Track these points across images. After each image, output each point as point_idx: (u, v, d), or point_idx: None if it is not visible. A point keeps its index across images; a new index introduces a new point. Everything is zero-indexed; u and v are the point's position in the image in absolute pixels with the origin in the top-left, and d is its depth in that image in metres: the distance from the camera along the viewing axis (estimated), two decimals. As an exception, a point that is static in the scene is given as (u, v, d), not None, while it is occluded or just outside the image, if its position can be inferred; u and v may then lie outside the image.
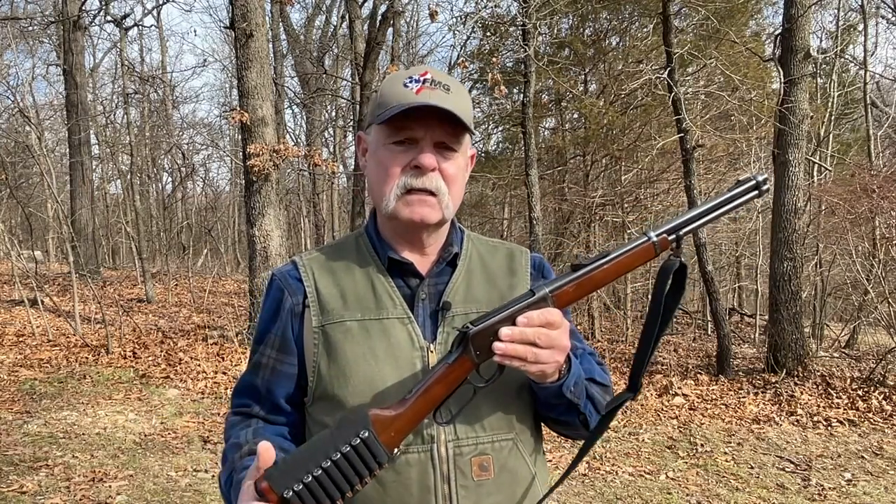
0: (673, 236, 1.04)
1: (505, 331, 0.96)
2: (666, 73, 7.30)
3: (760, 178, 1.06)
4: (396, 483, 1.05)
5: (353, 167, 15.40)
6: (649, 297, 1.41)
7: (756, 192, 1.07)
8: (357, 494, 1.06)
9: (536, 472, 1.13)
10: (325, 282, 1.13)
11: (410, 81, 1.07)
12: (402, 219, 1.09)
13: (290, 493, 0.89)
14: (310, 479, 0.90)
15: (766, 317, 7.70)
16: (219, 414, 5.55)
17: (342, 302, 1.11)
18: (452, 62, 11.98)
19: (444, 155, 1.09)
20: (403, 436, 0.98)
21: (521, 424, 1.12)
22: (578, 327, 9.77)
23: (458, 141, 1.10)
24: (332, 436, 0.95)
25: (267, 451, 0.91)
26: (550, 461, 4.68)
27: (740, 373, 7.00)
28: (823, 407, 5.81)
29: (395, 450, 0.98)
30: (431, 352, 1.07)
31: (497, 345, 0.95)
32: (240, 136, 9.09)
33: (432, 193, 1.08)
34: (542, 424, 1.21)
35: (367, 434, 0.94)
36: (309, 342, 1.11)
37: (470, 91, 13.84)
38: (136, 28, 17.80)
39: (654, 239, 1.04)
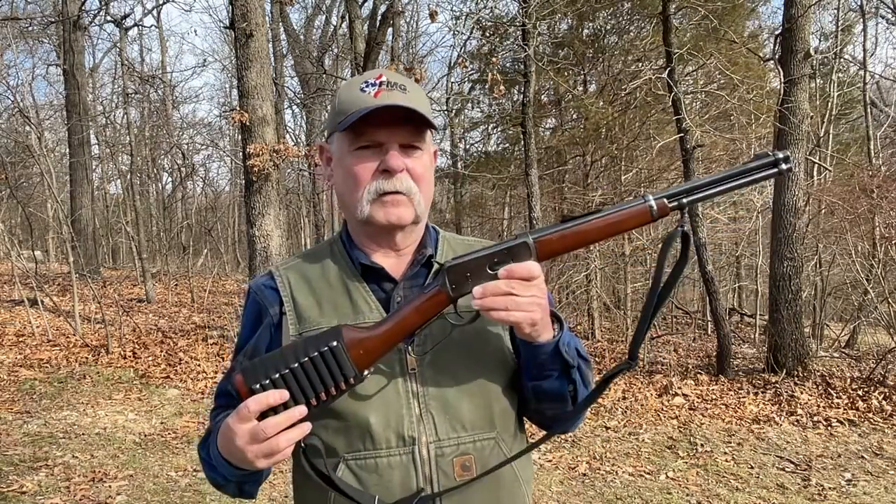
0: (674, 203, 0.99)
1: (478, 289, 0.97)
2: (666, 72, 7.30)
3: (781, 156, 0.97)
4: (379, 486, 1.04)
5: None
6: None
7: (775, 169, 0.97)
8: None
9: (519, 471, 1.13)
10: (301, 290, 1.13)
11: (367, 86, 1.08)
12: (377, 222, 1.10)
13: (258, 386, 0.95)
14: (277, 376, 0.96)
15: (766, 317, 7.69)
16: (219, 414, 5.55)
17: (318, 309, 1.11)
18: (452, 62, 11.98)
19: (409, 155, 1.09)
20: (374, 357, 1.00)
21: (503, 424, 1.12)
22: (578, 327, 9.77)
23: (421, 139, 1.11)
24: (305, 342, 0.99)
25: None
26: (550, 461, 4.68)
27: (740, 373, 6.99)
28: (823, 407, 5.81)
29: (365, 370, 0.99)
30: (409, 354, 1.07)
31: (476, 290, 0.96)
32: (240, 136, 9.08)
33: (404, 194, 1.09)
34: (525, 424, 1.21)
35: (336, 344, 0.97)
36: None
37: (470, 91, 13.87)
38: (136, 28, 17.84)
39: (652, 202, 0.99)
